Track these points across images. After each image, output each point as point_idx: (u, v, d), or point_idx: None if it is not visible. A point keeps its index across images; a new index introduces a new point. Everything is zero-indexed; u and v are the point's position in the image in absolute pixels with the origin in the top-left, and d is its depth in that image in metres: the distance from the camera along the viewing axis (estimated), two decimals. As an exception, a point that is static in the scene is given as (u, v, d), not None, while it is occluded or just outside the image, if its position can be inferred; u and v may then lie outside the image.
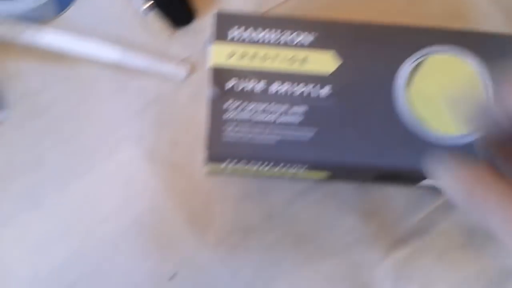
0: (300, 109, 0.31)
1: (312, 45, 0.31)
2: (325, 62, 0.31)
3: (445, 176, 0.21)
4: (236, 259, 0.36)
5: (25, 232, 0.35)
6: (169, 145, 0.37)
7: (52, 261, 0.34)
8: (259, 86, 0.31)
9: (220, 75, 0.31)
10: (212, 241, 0.36)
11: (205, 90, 0.37)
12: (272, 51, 0.31)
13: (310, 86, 0.31)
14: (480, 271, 0.37)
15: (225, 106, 0.31)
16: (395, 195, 0.38)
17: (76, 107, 0.37)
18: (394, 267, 0.36)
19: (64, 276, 0.34)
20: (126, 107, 0.38)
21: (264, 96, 0.31)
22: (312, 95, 0.31)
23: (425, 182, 0.34)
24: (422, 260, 0.37)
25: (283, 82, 0.31)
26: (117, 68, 0.38)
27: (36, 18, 0.38)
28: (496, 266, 0.37)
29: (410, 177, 0.33)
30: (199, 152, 0.37)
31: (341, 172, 0.34)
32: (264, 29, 0.32)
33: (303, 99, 0.31)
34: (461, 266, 0.37)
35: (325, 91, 0.31)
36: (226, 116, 0.31)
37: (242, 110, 0.31)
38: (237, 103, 0.31)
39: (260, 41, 0.32)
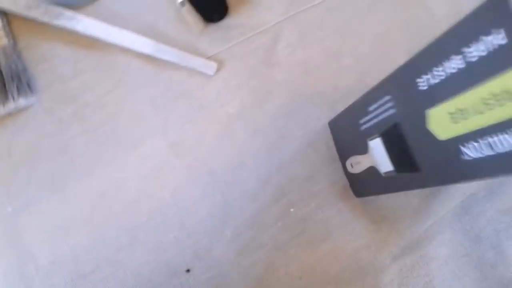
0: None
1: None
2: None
3: None
4: (249, 254, 0.36)
5: (48, 217, 0.35)
6: (194, 140, 0.38)
7: (71, 247, 0.35)
8: None
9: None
10: (229, 235, 0.36)
11: (231, 88, 0.37)
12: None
13: None
14: (481, 279, 0.37)
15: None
16: (404, 204, 0.38)
17: (106, 96, 0.38)
18: (400, 272, 0.37)
19: (83, 263, 0.35)
20: (154, 98, 0.38)
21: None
22: None
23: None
24: (427, 267, 0.37)
25: None
26: (148, 58, 0.38)
27: (74, 3, 0.39)
28: (495, 275, 0.37)
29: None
30: (222, 148, 0.37)
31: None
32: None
33: None
34: (463, 273, 0.37)
35: None
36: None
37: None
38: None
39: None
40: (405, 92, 0.26)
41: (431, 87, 0.23)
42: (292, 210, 0.37)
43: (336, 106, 0.39)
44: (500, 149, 0.20)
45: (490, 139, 0.21)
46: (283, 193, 0.37)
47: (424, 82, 0.24)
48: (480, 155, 0.22)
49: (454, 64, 0.21)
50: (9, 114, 0.36)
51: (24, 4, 0.38)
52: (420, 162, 0.27)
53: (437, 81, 0.23)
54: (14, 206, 0.35)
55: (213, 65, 0.39)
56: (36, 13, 0.38)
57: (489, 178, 0.23)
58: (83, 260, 0.35)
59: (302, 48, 0.41)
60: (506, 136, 0.20)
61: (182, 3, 0.40)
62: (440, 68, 0.22)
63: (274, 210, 0.37)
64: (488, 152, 0.21)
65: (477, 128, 0.21)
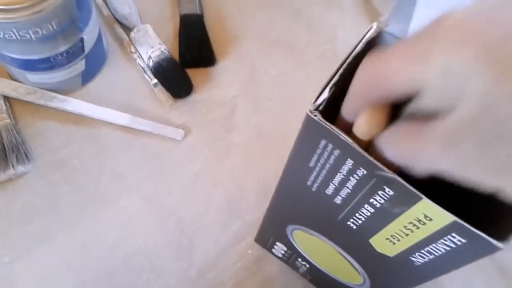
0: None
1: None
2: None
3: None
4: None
5: (39, 264, 0.41)
6: (164, 193, 0.44)
7: (59, 289, 0.40)
8: None
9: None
10: (194, 275, 0.42)
11: (196, 149, 0.45)
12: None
13: None
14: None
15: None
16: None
17: (90, 161, 0.45)
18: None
19: (68, 303, 0.40)
20: (131, 161, 0.45)
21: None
22: None
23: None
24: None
25: None
26: (127, 129, 0.46)
27: (66, 87, 0.48)
28: None
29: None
30: (188, 200, 0.44)
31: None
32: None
33: None
34: None
35: None
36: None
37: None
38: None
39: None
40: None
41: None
42: (249, 251, 0.43)
43: (284, 162, 0.46)
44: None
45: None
46: (241, 237, 0.43)
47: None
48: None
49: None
50: (9, 179, 0.43)
51: (24, 91, 0.47)
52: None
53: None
54: (11, 257, 0.41)
55: (181, 132, 0.47)
56: (34, 98, 0.47)
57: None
58: (67, 301, 0.40)
59: (255, 115, 0.49)
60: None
61: (155, 84, 0.48)
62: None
63: (234, 252, 0.43)
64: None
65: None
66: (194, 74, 0.50)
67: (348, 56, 0.21)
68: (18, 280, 0.40)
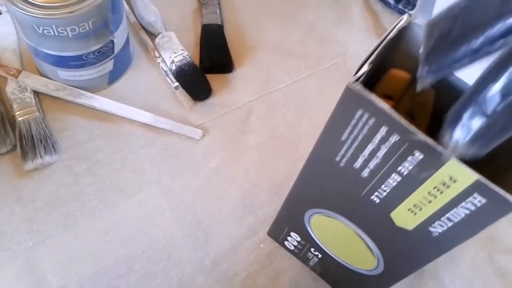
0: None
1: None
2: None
3: None
4: (225, 282, 0.43)
5: (62, 249, 0.43)
6: (182, 188, 0.47)
7: (78, 274, 0.42)
8: None
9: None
10: (209, 265, 0.44)
11: (213, 149, 0.47)
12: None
13: None
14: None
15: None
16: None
17: (112, 155, 0.48)
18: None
19: (87, 288, 0.42)
20: (151, 157, 0.48)
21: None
22: None
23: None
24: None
25: None
26: (149, 127, 0.49)
27: (93, 86, 0.50)
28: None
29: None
30: (204, 195, 0.46)
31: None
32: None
33: None
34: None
35: None
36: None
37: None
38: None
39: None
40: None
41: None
42: (261, 245, 0.45)
43: (296, 163, 0.49)
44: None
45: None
46: (254, 232, 0.46)
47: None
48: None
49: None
50: (36, 169, 0.46)
51: (53, 87, 0.50)
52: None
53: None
54: (34, 241, 0.43)
55: (200, 131, 0.50)
56: (63, 94, 0.50)
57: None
58: (87, 285, 0.42)
59: (270, 120, 0.52)
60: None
61: (176, 87, 0.51)
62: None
63: (247, 246, 0.45)
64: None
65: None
66: (213, 79, 0.53)
67: (384, 39, 0.24)
68: (41, 264, 0.42)
